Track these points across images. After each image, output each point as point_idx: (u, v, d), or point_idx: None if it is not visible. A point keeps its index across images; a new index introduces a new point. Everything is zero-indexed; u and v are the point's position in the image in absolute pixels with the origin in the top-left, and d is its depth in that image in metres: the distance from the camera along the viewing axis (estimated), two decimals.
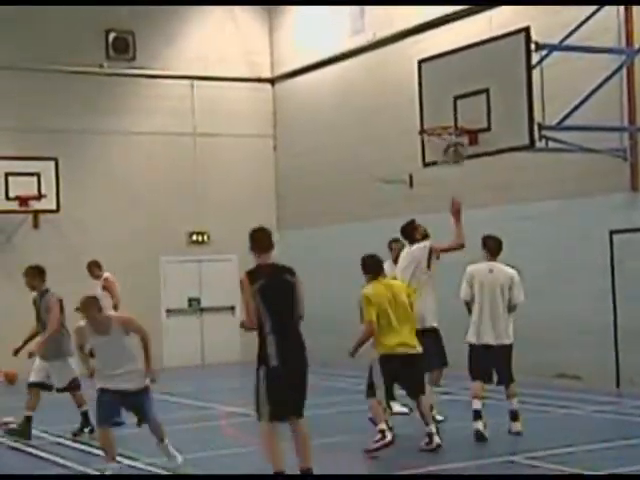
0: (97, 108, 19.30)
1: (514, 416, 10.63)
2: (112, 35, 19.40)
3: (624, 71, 13.53)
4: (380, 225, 18.34)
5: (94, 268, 15.87)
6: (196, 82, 20.10)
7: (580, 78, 13.20)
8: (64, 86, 19.00)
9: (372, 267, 10.26)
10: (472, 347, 10.71)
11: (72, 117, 19.01)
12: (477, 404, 10.45)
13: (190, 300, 20.16)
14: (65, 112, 18.96)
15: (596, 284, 14.79)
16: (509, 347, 10.70)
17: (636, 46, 13.45)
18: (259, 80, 20.85)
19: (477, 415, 10.37)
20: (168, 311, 19.92)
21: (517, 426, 10.58)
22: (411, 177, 17.67)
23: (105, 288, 15.61)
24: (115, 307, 15.17)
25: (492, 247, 10.90)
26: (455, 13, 16.64)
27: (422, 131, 12.81)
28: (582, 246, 15.04)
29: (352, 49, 19.00)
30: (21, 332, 15.06)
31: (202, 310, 20.27)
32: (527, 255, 15.40)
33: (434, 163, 13.04)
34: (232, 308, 20.40)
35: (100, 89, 19.35)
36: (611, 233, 14.54)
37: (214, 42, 20.36)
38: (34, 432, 11.45)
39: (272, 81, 21.01)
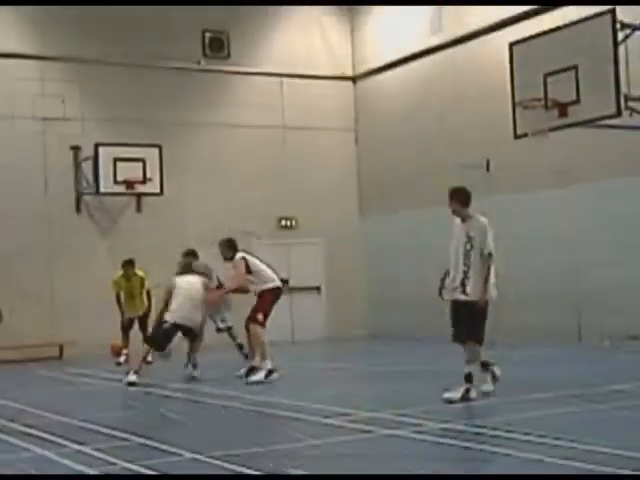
0: (195, 102, 20.95)
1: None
2: (208, 35, 21.16)
3: None
4: None
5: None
6: (285, 79, 21.80)
7: None
8: (166, 81, 20.69)
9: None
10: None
11: (173, 109, 20.69)
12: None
13: (280, 281, 21.63)
14: (167, 105, 20.64)
15: None
16: None
17: None
18: (342, 78, 22.53)
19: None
20: None
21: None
22: (488, 162, 19.27)
23: None
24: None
25: (462, 199, 10.67)
26: (525, 13, 18.29)
27: (514, 105, 14.35)
28: None
29: (429, 47, 20.58)
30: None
31: (291, 289, 21.78)
32: (603, 226, 16.91)
33: (525, 135, 14.54)
34: (318, 288, 22.02)
35: (198, 84, 21.03)
36: None
37: (300, 42, 22.05)
38: None
39: (354, 79, 22.68)
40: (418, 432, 8.25)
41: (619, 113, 13.24)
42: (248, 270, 13.37)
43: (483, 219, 10.39)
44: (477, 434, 8.06)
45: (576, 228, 17.29)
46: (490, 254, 10.16)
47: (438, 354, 16.38)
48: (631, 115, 13.60)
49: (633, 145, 16.08)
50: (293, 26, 22.20)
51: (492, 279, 10.23)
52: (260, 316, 13.33)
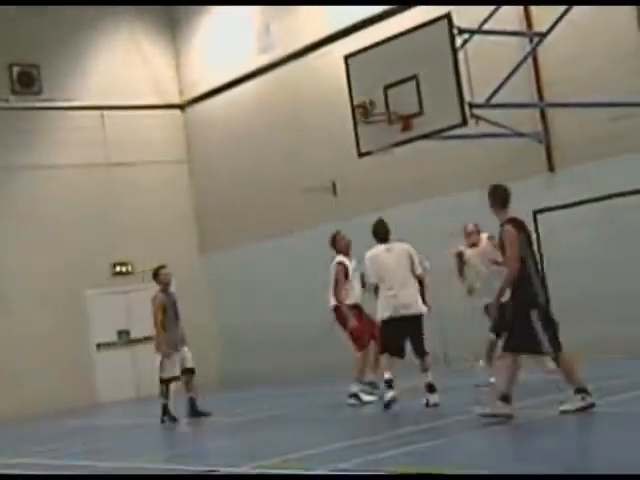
0: (6, 143, 20.41)
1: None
2: (16, 69, 20.62)
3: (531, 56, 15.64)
4: (307, 236, 19.92)
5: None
6: (106, 112, 21.42)
7: (497, 61, 15.15)
8: None
9: None
10: (388, 321, 12.15)
11: None
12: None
13: (119, 332, 21.24)
14: None
15: None
16: (420, 316, 12.23)
17: (536, 29, 15.59)
18: (168, 106, 22.38)
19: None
20: (98, 345, 20.93)
21: (434, 398, 11.73)
22: (334, 184, 19.41)
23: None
24: None
25: (380, 232, 12.76)
26: (362, 21, 18.63)
27: (355, 122, 14.42)
28: None
29: (259, 67, 20.67)
30: None
31: (132, 341, 21.37)
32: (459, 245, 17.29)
33: (369, 153, 14.64)
34: None
35: (7, 124, 20.45)
36: (534, 213, 16.56)
37: (120, 71, 21.78)
38: None
39: (181, 106, 22.56)
40: None
41: (464, 122, 13.47)
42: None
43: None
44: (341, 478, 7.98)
45: (435, 246, 17.47)
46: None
47: (294, 397, 16.30)
48: (477, 123, 13.90)
49: (487, 153, 16.56)
50: (112, 55, 21.95)
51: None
52: None
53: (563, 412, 9.58)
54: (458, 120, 13.44)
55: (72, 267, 20.51)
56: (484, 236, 13.86)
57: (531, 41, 15.27)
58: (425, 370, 11.98)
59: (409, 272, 12.38)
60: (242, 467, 9.14)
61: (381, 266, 12.35)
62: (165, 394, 14.31)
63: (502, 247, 9.95)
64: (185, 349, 14.50)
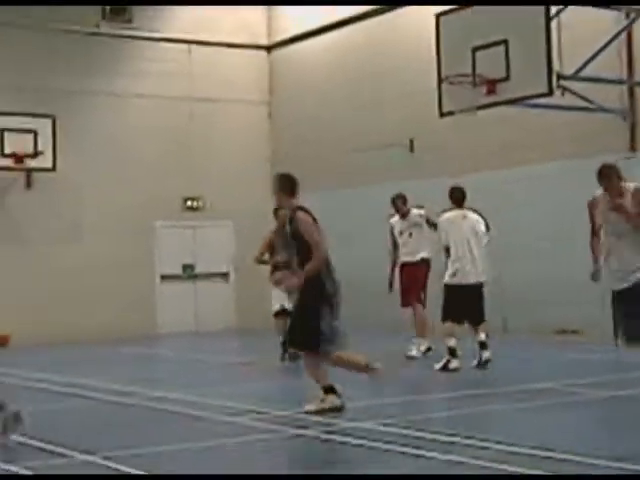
0: (93, 69, 20.58)
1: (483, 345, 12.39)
2: None
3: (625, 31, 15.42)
4: (380, 191, 19.91)
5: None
6: (193, 47, 21.53)
7: (589, 33, 14.96)
8: (61, 45, 20.21)
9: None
10: (451, 287, 12.61)
11: (69, 77, 20.28)
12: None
13: (184, 266, 21.55)
14: (62, 71, 20.22)
15: None
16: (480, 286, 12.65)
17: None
18: (255, 47, 22.43)
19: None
20: (162, 277, 21.22)
21: (486, 354, 12.31)
22: (412, 142, 19.39)
23: None
24: None
25: (458, 197, 12.95)
26: None
27: (440, 80, 14.44)
28: (582, 207, 16.81)
29: (349, 16, 20.64)
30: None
31: (196, 276, 21.68)
32: (530, 216, 17.19)
33: (451, 113, 14.66)
34: (226, 275, 21.90)
35: (95, 50, 20.62)
36: None
37: (211, 7, 21.73)
38: None
39: (268, 48, 22.60)
40: (327, 432, 8.28)
41: (551, 92, 13.42)
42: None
43: None
44: (386, 433, 8.13)
45: (508, 216, 17.34)
46: None
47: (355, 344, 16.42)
48: (563, 94, 13.82)
49: (569, 126, 16.37)
50: None
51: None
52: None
53: (308, 412, 9.20)
54: (544, 89, 13.44)
55: (144, 198, 20.75)
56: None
57: (627, 16, 15.07)
58: (479, 331, 12.44)
59: (478, 242, 12.67)
60: (290, 411, 9.34)
61: (454, 231, 12.65)
62: (280, 331, 14.04)
63: (294, 235, 9.52)
64: None
